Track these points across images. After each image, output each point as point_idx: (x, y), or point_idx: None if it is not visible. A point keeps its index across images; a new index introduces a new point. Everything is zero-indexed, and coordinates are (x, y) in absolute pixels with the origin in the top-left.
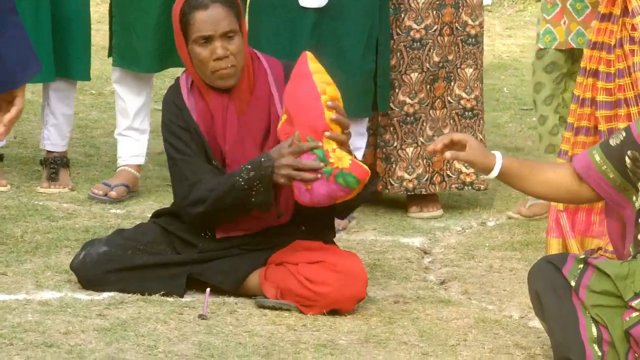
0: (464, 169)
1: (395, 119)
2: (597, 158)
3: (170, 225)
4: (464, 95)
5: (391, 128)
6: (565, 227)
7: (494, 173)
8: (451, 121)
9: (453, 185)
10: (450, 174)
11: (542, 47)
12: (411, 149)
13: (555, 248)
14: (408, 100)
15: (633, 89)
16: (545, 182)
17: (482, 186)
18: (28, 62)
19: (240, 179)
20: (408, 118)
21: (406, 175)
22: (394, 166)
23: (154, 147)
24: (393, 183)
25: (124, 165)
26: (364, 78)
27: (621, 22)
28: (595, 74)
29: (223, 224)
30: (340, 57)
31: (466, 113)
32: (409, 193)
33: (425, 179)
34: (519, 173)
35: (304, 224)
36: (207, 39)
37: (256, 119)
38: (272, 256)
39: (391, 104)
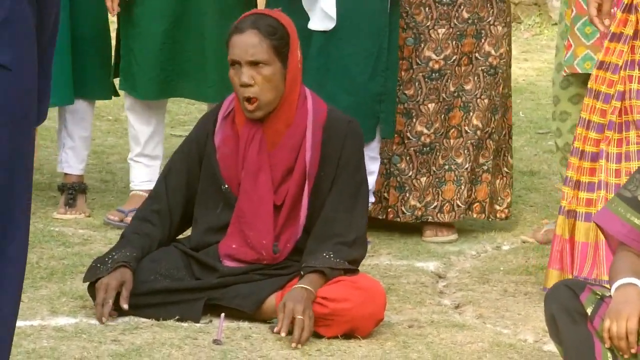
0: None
1: (412, 148)
2: (637, 221)
3: (189, 249)
4: (480, 125)
5: (407, 157)
6: (565, 259)
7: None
8: (465, 151)
9: (462, 216)
10: (460, 204)
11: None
12: (424, 178)
13: (554, 281)
14: (425, 131)
15: (621, 115)
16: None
17: (491, 216)
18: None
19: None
20: (424, 148)
21: (418, 204)
22: (407, 195)
23: None
24: (405, 212)
25: (136, 190)
26: (370, 101)
27: (630, 44)
28: (597, 95)
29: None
30: (347, 80)
31: (480, 143)
32: (417, 221)
33: (433, 206)
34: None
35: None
36: (237, 64)
37: (281, 157)
38: (290, 281)
39: (408, 134)
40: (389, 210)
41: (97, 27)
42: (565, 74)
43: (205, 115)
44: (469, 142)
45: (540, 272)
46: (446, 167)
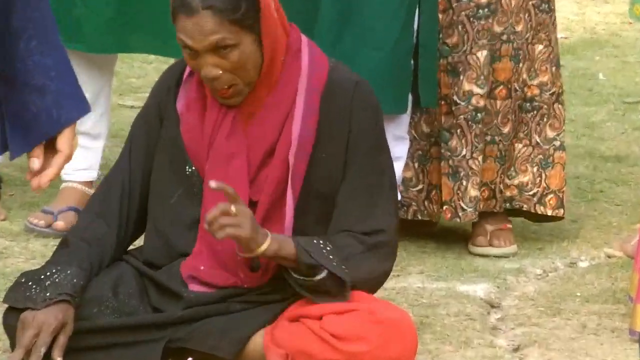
0: (506, 180)
1: (462, 116)
2: None
3: (144, 266)
4: (527, 80)
5: (458, 130)
6: None
7: None
8: (512, 116)
9: (497, 204)
10: (501, 188)
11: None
12: (481, 157)
13: None
14: (476, 90)
15: None
16: None
17: (524, 205)
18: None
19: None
20: (478, 114)
21: (480, 195)
22: (464, 183)
23: (115, 156)
24: (465, 207)
25: (69, 181)
26: (401, 60)
27: None
28: None
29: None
30: (369, 34)
31: (526, 105)
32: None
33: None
34: None
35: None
36: (192, 50)
37: (260, 133)
38: (285, 311)
39: (455, 97)
40: (445, 208)
41: None
42: None
43: (165, 71)
44: (517, 102)
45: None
46: (488, 138)
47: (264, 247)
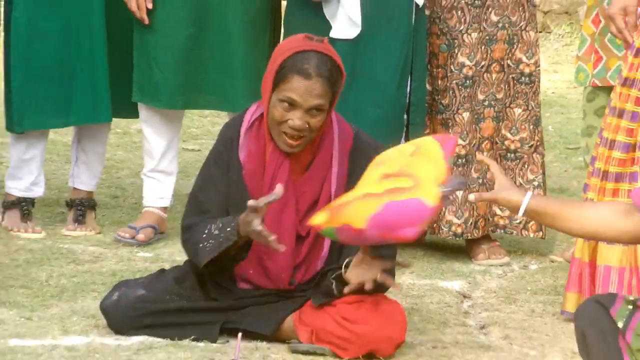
0: (498, 212)
1: None
2: None
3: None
4: (509, 136)
5: None
6: (584, 283)
7: (521, 211)
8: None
9: (489, 229)
10: (490, 217)
11: (577, 86)
12: (460, 192)
13: (573, 304)
14: (460, 142)
15: None
16: (586, 218)
17: (514, 232)
18: None
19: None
20: (459, 160)
21: (455, 220)
22: (443, 210)
23: (183, 188)
24: (442, 227)
25: (149, 206)
26: (396, 114)
27: None
28: (621, 113)
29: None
30: (373, 91)
31: (509, 155)
32: (457, 238)
33: (470, 223)
34: (552, 211)
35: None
36: (294, 105)
37: (307, 187)
38: (308, 301)
39: None
40: (434, 226)
41: (126, 43)
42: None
43: (226, 125)
44: (498, 152)
45: None
46: (480, 180)
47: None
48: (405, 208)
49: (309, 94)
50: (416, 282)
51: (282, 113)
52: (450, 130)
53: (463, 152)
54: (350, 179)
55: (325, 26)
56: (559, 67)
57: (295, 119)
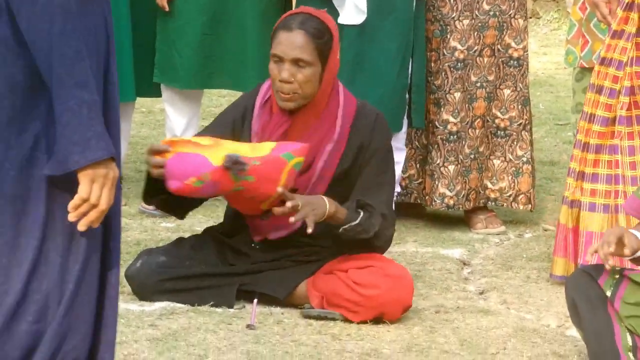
0: (489, 185)
1: (439, 137)
2: None
3: (222, 236)
4: (499, 115)
5: (436, 146)
6: (569, 247)
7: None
8: (485, 139)
9: (481, 201)
10: (481, 190)
11: (566, 67)
12: (453, 166)
13: (560, 268)
14: (451, 119)
15: (630, 109)
16: None
17: (504, 204)
18: (90, 143)
19: None
20: (451, 136)
21: (447, 192)
22: (436, 183)
23: None
24: (436, 200)
25: None
26: (398, 95)
27: (634, 41)
28: (600, 90)
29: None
30: (376, 74)
31: (499, 132)
32: (449, 209)
33: (462, 195)
34: None
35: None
36: (280, 59)
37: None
38: (321, 268)
39: (436, 123)
40: (427, 198)
41: (150, 27)
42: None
43: (242, 97)
44: (489, 130)
45: None
46: (472, 156)
47: (329, 209)
48: (186, 160)
49: (289, 46)
50: (419, 250)
51: (274, 70)
52: (442, 109)
53: (455, 129)
54: (350, 142)
55: (333, 14)
56: (548, 50)
57: (282, 71)
